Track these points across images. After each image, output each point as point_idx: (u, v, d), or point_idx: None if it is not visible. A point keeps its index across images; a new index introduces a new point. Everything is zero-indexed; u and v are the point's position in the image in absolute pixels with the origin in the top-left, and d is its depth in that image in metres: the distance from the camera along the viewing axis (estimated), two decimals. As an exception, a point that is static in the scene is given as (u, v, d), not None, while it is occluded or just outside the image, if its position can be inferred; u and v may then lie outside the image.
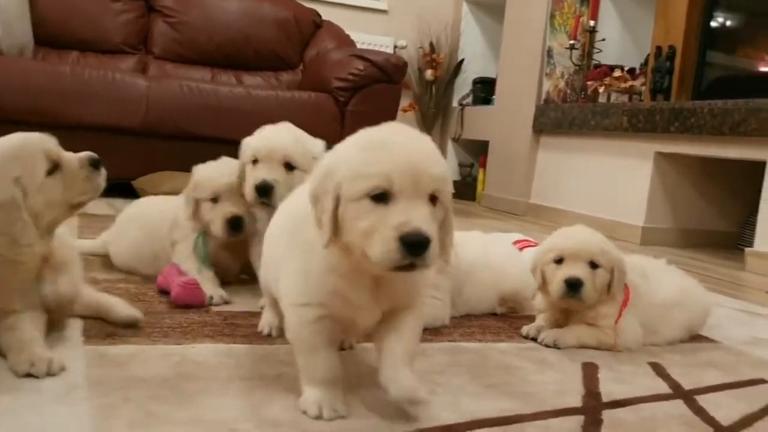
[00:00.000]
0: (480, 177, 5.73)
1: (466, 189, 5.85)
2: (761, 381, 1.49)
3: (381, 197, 0.97)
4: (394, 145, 1.00)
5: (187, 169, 3.58)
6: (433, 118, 6.08)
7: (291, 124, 1.80)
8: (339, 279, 1.06)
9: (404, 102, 6.02)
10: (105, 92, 3.61)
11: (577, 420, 1.16)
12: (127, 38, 4.38)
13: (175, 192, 3.14)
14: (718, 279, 2.88)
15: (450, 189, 1.04)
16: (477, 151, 5.87)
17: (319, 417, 1.05)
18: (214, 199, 1.80)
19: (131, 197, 3.45)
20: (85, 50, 4.29)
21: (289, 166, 1.68)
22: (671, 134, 3.78)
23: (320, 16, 4.84)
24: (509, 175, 5.15)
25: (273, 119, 3.93)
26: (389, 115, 4.12)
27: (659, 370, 1.49)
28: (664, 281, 1.72)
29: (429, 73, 5.94)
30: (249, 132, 4.16)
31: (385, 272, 0.99)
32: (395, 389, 1.08)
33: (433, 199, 1.00)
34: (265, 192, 1.64)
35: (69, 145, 2.87)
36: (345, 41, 4.67)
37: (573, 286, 1.56)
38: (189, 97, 3.75)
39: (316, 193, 1.02)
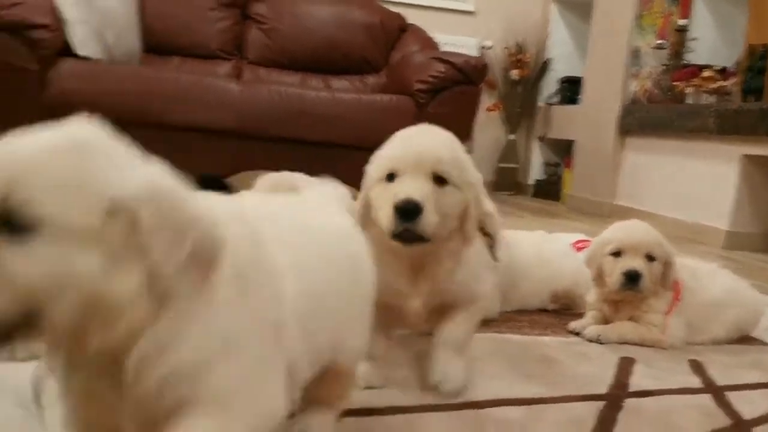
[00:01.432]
0: (565, 177, 5.73)
1: (550, 189, 5.86)
2: (802, 382, 1.52)
3: (390, 177, 1.14)
4: (408, 137, 1.18)
5: (275, 168, 3.81)
6: (518, 117, 6.11)
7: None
8: (379, 264, 1.04)
9: (489, 101, 6.10)
10: (202, 96, 3.88)
11: (597, 405, 1.25)
12: (223, 45, 4.67)
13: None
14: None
15: (469, 177, 1.17)
16: (563, 151, 5.87)
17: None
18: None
19: (221, 191, 3.71)
20: (186, 56, 4.60)
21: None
22: (759, 136, 3.70)
23: (405, 20, 4.98)
24: (594, 176, 5.13)
25: (356, 121, 4.13)
26: (468, 116, 4.23)
27: (697, 368, 1.54)
28: (713, 282, 1.76)
29: (515, 73, 5.98)
30: (335, 133, 4.38)
31: (394, 245, 1.12)
32: (443, 386, 1.22)
33: (441, 180, 1.12)
34: None
35: (170, 145, 3.23)
36: (428, 44, 4.79)
37: (632, 278, 1.64)
38: (277, 101, 3.98)
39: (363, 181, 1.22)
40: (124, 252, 0.55)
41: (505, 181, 6.18)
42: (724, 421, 1.24)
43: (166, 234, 0.55)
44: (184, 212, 0.57)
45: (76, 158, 0.56)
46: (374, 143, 4.38)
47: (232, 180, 3.79)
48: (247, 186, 3.63)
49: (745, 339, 1.82)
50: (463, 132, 4.19)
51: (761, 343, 1.82)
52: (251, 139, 3.98)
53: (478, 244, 1.28)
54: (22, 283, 0.52)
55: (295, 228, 0.81)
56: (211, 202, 0.65)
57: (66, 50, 3.88)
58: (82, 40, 3.91)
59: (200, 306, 0.58)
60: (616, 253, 1.67)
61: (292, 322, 0.69)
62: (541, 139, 6.03)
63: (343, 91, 4.53)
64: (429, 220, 1.10)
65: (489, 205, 1.28)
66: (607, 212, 4.91)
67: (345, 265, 0.88)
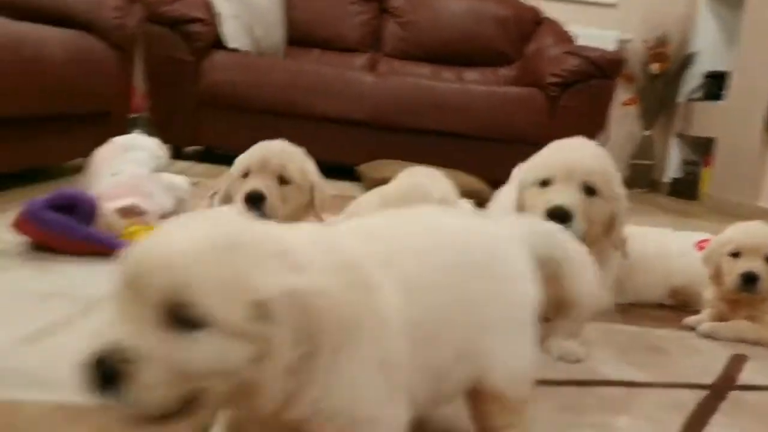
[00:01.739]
0: (704, 176, 5.51)
1: (687, 188, 5.65)
2: None
3: (544, 183, 1.31)
4: (563, 147, 1.34)
5: (408, 158, 3.99)
6: (656, 112, 5.93)
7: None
8: None
9: (626, 96, 5.96)
10: (340, 88, 4.10)
11: (700, 393, 1.29)
12: (361, 38, 4.87)
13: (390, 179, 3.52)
14: None
15: (616, 190, 1.32)
16: (702, 149, 5.64)
17: None
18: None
19: (352, 180, 3.91)
20: (325, 49, 4.85)
21: None
22: None
23: (541, 13, 4.97)
24: (736, 176, 4.91)
25: (487, 113, 4.20)
26: (601, 110, 4.19)
27: (815, 370, 1.53)
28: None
29: (655, 67, 5.81)
30: (465, 125, 4.48)
31: None
32: (565, 358, 1.37)
33: (591, 191, 1.24)
34: None
35: (308, 134, 3.47)
36: (563, 37, 4.77)
37: (749, 280, 1.64)
38: (410, 93, 4.13)
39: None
40: (265, 344, 0.64)
41: (639, 178, 6.01)
42: (833, 419, 1.24)
43: (298, 333, 0.64)
44: (315, 314, 0.65)
45: (233, 259, 0.63)
46: (505, 135, 4.54)
47: (363, 168, 3.97)
48: (378, 174, 3.79)
49: None
50: (595, 126, 4.17)
51: None
52: (384, 129, 4.15)
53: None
54: (189, 371, 0.60)
55: (413, 243, 0.81)
56: (329, 255, 0.71)
57: (218, 43, 4.21)
58: (233, 33, 4.22)
59: (329, 363, 0.67)
60: (735, 254, 1.67)
61: (404, 354, 0.73)
62: (680, 136, 5.82)
63: (474, 82, 4.61)
64: (577, 227, 1.22)
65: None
66: (748, 214, 4.68)
67: (480, 273, 0.84)
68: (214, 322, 0.61)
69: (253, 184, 1.54)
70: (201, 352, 0.61)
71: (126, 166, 2.14)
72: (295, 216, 1.60)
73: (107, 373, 0.58)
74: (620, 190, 1.40)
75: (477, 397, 0.88)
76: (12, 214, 1.82)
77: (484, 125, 4.14)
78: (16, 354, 1.14)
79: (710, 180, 5.31)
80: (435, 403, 0.86)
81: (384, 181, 3.59)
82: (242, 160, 1.59)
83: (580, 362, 1.39)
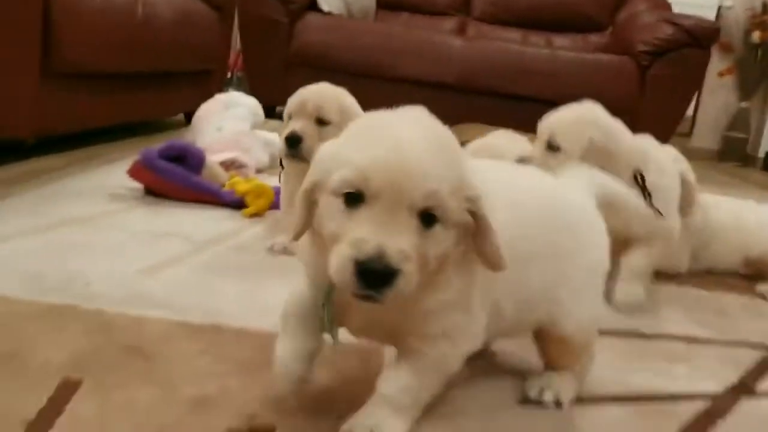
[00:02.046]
0: (800, 151, 5.31)
1: (781, 163, 5.47)
2: None
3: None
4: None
5: (493, 122, 4.04)
6: (755, 83, 5.72)
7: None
8: None
9: (722, 65, 5.78)
10: (426, 51, 4.17)
11: (761, 354, 1.35)
12: (451, 1, 4.91)
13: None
14: None
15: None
16: (801, 123, 5.43)
17: None
18: None
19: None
20: (415, 12, 4.91)
21: None
22: None
23: (635, -22, 4.87)
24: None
25: (575, 80, 4.20)
26: (695, 80, 4.12)
27: None
28: None
29: (756, 35, 5.59)
30: (553, 91, 4.46)
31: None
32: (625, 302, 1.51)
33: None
34: None
35: (395, 96, 3.61)
36: (658, 4, 4.66)
37: None
38: (498, 58, 4.16)
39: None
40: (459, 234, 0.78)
41: (732, 152, 5.85)
42: None
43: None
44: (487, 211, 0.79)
45: (454, 159, 0.77)
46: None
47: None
48: (461, 137, 3.89)
49: None
50: (685, 97, 4.10)
51: None
52: (471, 93, 4.20)
53: None
54: (429, 260, 0.75)
55: (520, 193, 0.95)
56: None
57: (312, 5, 4.35)
58: (327, -4, 4.32)
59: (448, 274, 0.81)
60: None
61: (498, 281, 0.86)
62: (778, 108, 5.61)
63: (564, 48, 4.59)
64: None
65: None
66: (844, 191, 4.53)
67: (564, 234, 0.96)
68: (449, 218, 0.76)
69: (292, 126, 1.62)
70: (439, 243, 0.76)
71: (228, 122, 2.31)
72: None
73: (385, 272, 0.70)
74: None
75: (546, 337, 1.02)
76: (127, 163, 2.02)
77: (573, 92, 4.08)
78: (139, 282, 1.32)
79: (807, 156, 5.12)
80: (501, 335, 1.01)
81: (464, 144, 3.67)
82: (287, 105, 1.68)
83: (641, 307, 1.52)
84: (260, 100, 4.46)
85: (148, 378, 0.95)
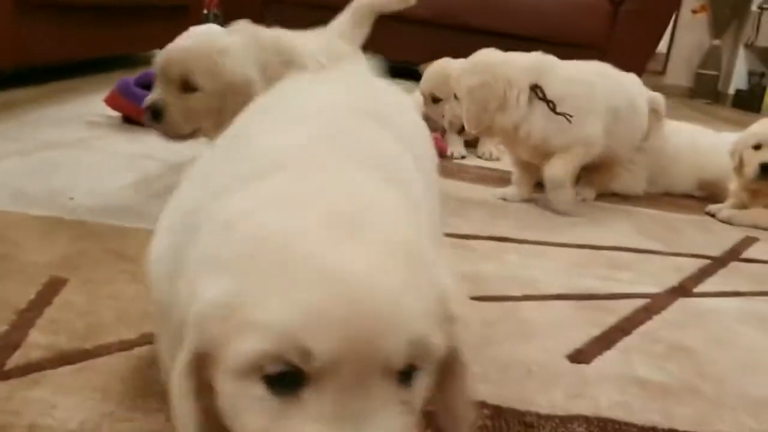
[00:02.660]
0: (769, 88, 5.42)
1: (752, 100, 5.57)
2: None
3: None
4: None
5: (465, 57, 4.05)
6: (726, 21, 5.78)
7: None
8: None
9: (696, 3, 5.82)
10: (403, -14, 4.17)
11: (703, 262, 1.46)
12: (427, -63, 4.87)
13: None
14: None
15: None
16: (771, 60, 5.52)
17: None
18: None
19: (413, 79, 4.04)
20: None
21: None
22: None
23: None
24: (800, 88, 4.83)
25: (547, 15, 4.21)
26: (665, 17, 4.16)
27: (819, 252, 1.67)
28: None
29: (730, -28, 5.63)
30: (526, 26, 4.41)
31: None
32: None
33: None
34: None
35: (373, 32, 3.71)
36: (633, -61, 4.67)
37: (766, 169, 1.77)
38: (473, -8, 4.18)
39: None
40: None
41: (703, 89, 5.95)
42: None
43: None
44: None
45: (434, 271, 0.50)
46: (567, 39, 4.60)
47: (423, 67, 4.09)
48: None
49: None
50: (657, 33, 4.16)
51: None
52: (448, 28, 4.23)
53: None
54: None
55: None
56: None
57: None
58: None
59: None
60: (757, 146, 1.79)
61: None
62: (748, 45, 5.69)
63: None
64: None
65: None
66: (808, 127, 4.65)
67: None
68: (433, 358, 0.47)
69: (152, 95, 1.38)
70: (421, 393, 0.47)
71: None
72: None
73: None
74: None
75: None
76: (104, 94, 2.07)
77: (546, 27, 4.16)
78: (119, 197, 1.39)
79: (775, 92, 5.23)
80: None
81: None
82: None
83: (573, 209, 1.71)
84: (236, 36, 4.44)
85: (132, 277, 1.03)
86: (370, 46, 4.35)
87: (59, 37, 2.41)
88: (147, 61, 3.42)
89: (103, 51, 2.85)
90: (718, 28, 5.81)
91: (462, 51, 4.13)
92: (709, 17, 5.83)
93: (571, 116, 1.62)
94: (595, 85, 1.71)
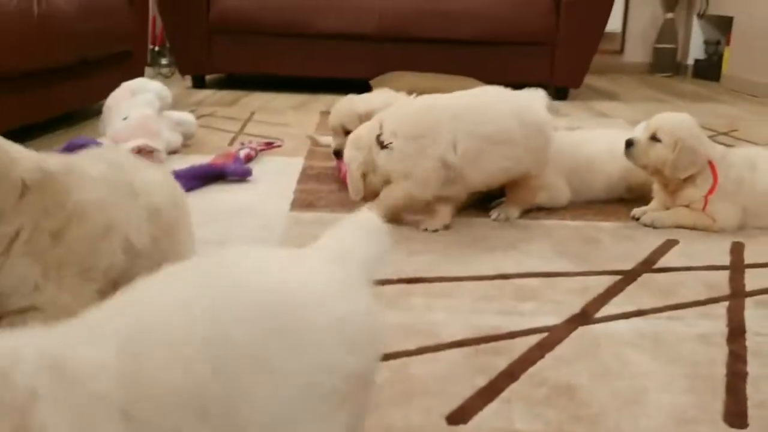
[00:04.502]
0: (725, 56, 5.45)
1: (710, 69, 5.61)
2: (836, 261, 1.64)
3: None
4: None
5: (418, 68, 4.11)
6: (678, -7, 5.82)
7: None
8: None
9: (645, -20, 5.84)
10: (343, 4, 4.21)
11: (614, 278, 1.50)
12: (366, -51, 4.90)
13: (406, 90, 3.68)
14: None
15: None
16: (724, 28, 5.54)
17: None
18: None
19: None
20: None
21: None
22: None
23: None
24: (752, 54, 4.87)
25: (491, 17, 4.24)
26: (606, 3, 4.18)
27: (735, 249, 1.70)
28: (771, 169, 1.86)
29: (674, -54, 5.66)
30: (472, 31, 4.46)
31: None
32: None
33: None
34: None
35: (317, 51, 3.85)
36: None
37: (627, 143, 1.88)
38: (415, 3, 4.21)
39: None
40: None
41: (663, 63, 5.98)
42: (723, 292, 1.44)
43: None
44: None
45: None
46: (513, 38, 4.70)
47: (374, 81, 4.12)
48: (393, 84, 3.92)
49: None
50: (600, 19, 4.19)
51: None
52: (390, 41, 4.26)
53: None
54: None
55: None
56: None
57: (226, -29, 4.32)
58: (239, -41, 4.29)
59: None
60: (653, 137, 1.85)
61: None
62: (701, 15, 5.72)
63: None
64: None
65: None
66: (765, 92, 4.69)
67: None
68: None
69: None
70: None
71: (134, 110, 2.38)
72: None
73: None
74: None
75: None
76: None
77: (491, 29, 4.20)
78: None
79: (729, 60, 5.27)
80: None
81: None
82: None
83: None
84: (188, 71, 4.48)
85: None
86: (320, 65, 4.43)
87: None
88: (93, 115, 3.46)
89: (50, 112, 2.87)
90: (669, 1, 5.84)
91: (409, 62, 4.20)
92: (661, -9, 5.86)
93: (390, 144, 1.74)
94: (439, 122, 1.75)
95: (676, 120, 1.85)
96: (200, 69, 4.37)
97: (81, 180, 1.03)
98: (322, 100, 4.07)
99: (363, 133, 1.84)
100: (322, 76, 4.36)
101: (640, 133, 1.90)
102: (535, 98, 1.86)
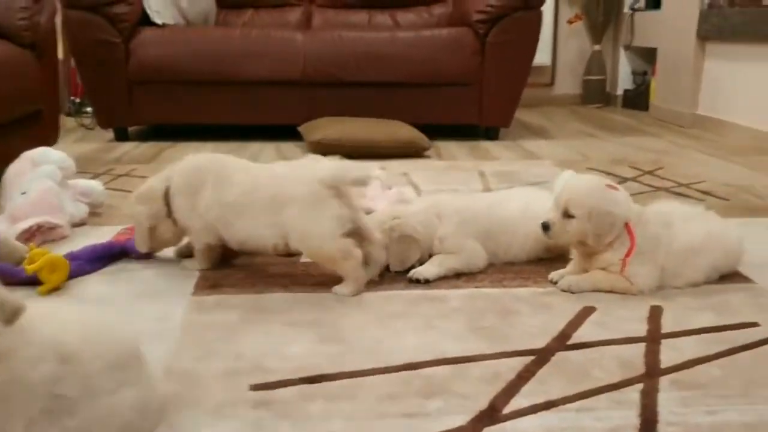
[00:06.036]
0: (652, 86, 5.56)
1: (639, 99, 5.72)
2: (752, 325, 1.60)
3: None
4: None
5: (346, 113, 4.07)
6: (602, 26, 5.93)
7: None
8: None
9: (570, 13, 5.95)
10: (268, 49, 4.15)
11: (524, 360, 1.43)
12: (293, -9, 4.87)
13: (333, 137, 3.61)
14: None
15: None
16: (650, 59, 5.66)
17: None
18: None
19: (297, 140, 4.00)
20: (258, 7, 4.86)
21: None
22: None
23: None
24: (676, 85, 4.96)
25: (417, 59, 4.22)
26: (530, 42, 4.21)
27: (653, 314, 1.66)
28: (688, 228, 1.83)
29: (597, -20, 5.77)
30: (397, 73, 4.46)
31: None
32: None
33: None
34: None
35: (243, 98, 3.77)
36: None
37: (544, 227, 1.84)
38: (340, 47, 4.17)
39: None
40: None
41: (593, 94, 6.07)
42: (638, 371, 1.39)
43: None
44: None
45: None
46: (439, 78, 4.75)
47: (303, 128, 4.04)
48: (318, 133, 3.91)
49: (731, 277, 1.89)
50: (524, 59, 4.21)
51: (746, 280, 1.89)
52: (318, 86, 4.21)
53: None
54: None
55: None
56: None
57: (145, 19, 4.23)
58: (158, 9, 4.23)
59: None
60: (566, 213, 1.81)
61: None
62: (627, 47, 5.84)
63: (411, 25, 4.65)
64: None
65: None
66: (689, 123, 4.78)
67: None
68: None
69: None
70: None
71: (33, 184, 2.25)
72: None
73: None
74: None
75: None
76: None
77: (417, 71, 4.19)
78: None
79: (655, 90, 5.37)
80: None
81: (322, 141, 3.71)
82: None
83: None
84: (110, 125, 4.33)
85: None
86: (246, 112, 4.34)
87: None
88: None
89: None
90: (595, 34, 5.95)
91: (339, 106, 4.14)
92: (586, 25, 5.97)
93: None
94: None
95: (582, 190, 1.80)
96: (121, 122, 4.24)
97: None
98: (252, 148, 3.98)
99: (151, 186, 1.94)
100: (250, 123, 4.27)
101: (552, 213, 1.83)
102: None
